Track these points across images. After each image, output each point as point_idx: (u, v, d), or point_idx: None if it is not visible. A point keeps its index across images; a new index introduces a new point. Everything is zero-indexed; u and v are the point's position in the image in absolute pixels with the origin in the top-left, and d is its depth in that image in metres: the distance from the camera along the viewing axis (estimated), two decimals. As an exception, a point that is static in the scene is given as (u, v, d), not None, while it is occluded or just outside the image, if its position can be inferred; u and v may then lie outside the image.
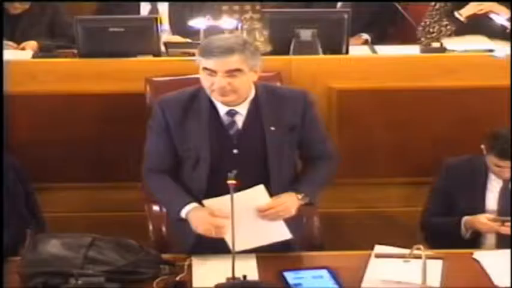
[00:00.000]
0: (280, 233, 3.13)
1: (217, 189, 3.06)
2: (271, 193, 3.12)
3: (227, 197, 2.94)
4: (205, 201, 3.08)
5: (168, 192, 3.19)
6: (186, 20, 4.75)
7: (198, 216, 3.07)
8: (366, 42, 5.14)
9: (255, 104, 3.16)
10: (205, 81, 3.08)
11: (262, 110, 3.16)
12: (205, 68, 3.06)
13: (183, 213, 3.10)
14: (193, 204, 3.10)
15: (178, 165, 3.23)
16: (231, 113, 3.15)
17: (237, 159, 3.15)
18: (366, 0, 5.25)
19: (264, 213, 3.08)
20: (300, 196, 3.14)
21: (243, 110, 3.15)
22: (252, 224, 3.07)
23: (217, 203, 3.05)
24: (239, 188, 3.00)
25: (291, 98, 3.22)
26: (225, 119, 3.16)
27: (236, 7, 5.94)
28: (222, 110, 3.15)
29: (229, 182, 2.93)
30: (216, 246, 3.09)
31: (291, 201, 3.12)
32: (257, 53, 3.11)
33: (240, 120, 3.16)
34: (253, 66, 3.08)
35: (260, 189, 3.08)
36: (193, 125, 3.15)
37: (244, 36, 3.16)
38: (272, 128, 3.15)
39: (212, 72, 3.04)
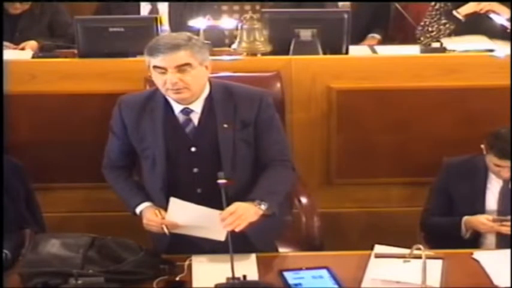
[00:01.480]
0: (218, 233, 3.05)
1: (177, 187, 3.13)
2: (226, 191, 3.05)
3: (193, 206, 3.02)
4: (172, 199, 3.08)
5: (125, 189, 3.29)
6: (186, 20, 4.75)
7: (144, 215, 3.18)
8: (379, 42, 5.17)
9: (209, 102, 3.17)
10: (158, 80, 3.09)
11: (216, 107, 3.16)
12: (155, 67, 3.07)
13: (137, 211, 3.21)
14: (145, 204, 3.20)
15: (140, 163, 3.29)
16: (186, 111, 3.17)
17: (195, 157, 3.17)
18: (363, 0, 5.25)
19: (224, 225, 2.99)
20: (256, 203, 3.05)
21: (197, 107, 3.16)
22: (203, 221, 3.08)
23: (180, 206, 3.07)
24: (200, 185, 3.12)
25: (247, 97, 3.20)
26: (180, 117, 3.17)
27: (236, 7, 5.94)
28: (177, 108, 3.17)
29: (219, 181, 2.98)
30: (190, 245, 3.14)
31: (248, 208, 3.03)
32: (204, 47, 3.12)
33: (195, 118, 3.17)
34: (203, 61, 3.08)
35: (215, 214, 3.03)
36: (148, 125, 3.18)
37: (188, 33, 3.17)
38: (225, 125, 3.15)
39: (162, 69, 3.05)
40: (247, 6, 5.89)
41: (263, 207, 3.06)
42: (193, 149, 3.17)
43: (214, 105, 3.16)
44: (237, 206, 3.02)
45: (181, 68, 3.03)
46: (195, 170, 3.17)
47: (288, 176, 3.24)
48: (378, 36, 5.33)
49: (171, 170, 3.17)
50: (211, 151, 3.15)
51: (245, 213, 3.01)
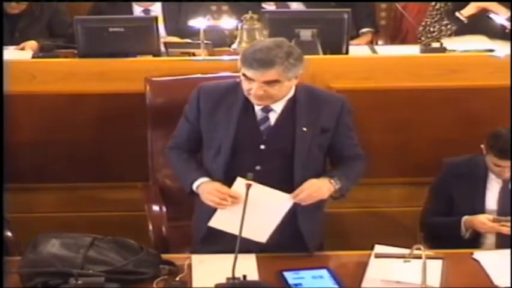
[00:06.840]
0: (260, 234, 3.11)
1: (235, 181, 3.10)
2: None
3: (259, 186, 3.03)
4: (239, 178, 3.07)
5: (184, 167, 3.26)
6: (181, 20, 4.74)
7: (205, 188, 3.14)
8: (374, 36, 5.16)
9: (291, 103, 3.17)
10: (244, 84, 3.11)
11: (298, 110, 3.17)
12: (244, 74, 3.07)
13: (194, 186, 3.17)
14: (205, 179, 3.17)
15: (202, 152, 3.28)
16: (266, 109, 3.17)
17: (263, 155, 3.18)
18: (355, 1, 5.24)
19: (296, 197, 3.10)
20: (333, 181, 3.14)
21: (278, 107, 3.17)
22: (252, 216, 3.04)
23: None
24: (258, 183, 3.07)
25: (328, 102, 3.23)
26: (259, 114, 3.18)
27: (225, 7, 5.90)
28: (258, 105, 3.17)
29: (246, 182, 2.99)
30: (224, 241, 3.09)
31: (323, 184, 3.12)
32: (299, 61, 3.06)
33: (273, 117, 3.18)
34: (293, 76, 3.08)
35: (286, 197, 3.10)
36: (223, 116, 3.18)
37: (289, 45, 3.09)
38: (304, 129, 3.16)
39: (250, 79, 3.06)
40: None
41: (336, 186, 3.14)
42: (262, 147, 3.18)
43: (297, 108, 3.17)
44: (312, 183, 3.10)
45: (269, 83, 3.04)
46: (258, 167, 3.15)
47: (362, 167, 3.32)
48: (370, 30, 5.31)
49: (234, 164, 3.15)
50: (282, 151, 3.17)
51: (318, 190, 3.10)
